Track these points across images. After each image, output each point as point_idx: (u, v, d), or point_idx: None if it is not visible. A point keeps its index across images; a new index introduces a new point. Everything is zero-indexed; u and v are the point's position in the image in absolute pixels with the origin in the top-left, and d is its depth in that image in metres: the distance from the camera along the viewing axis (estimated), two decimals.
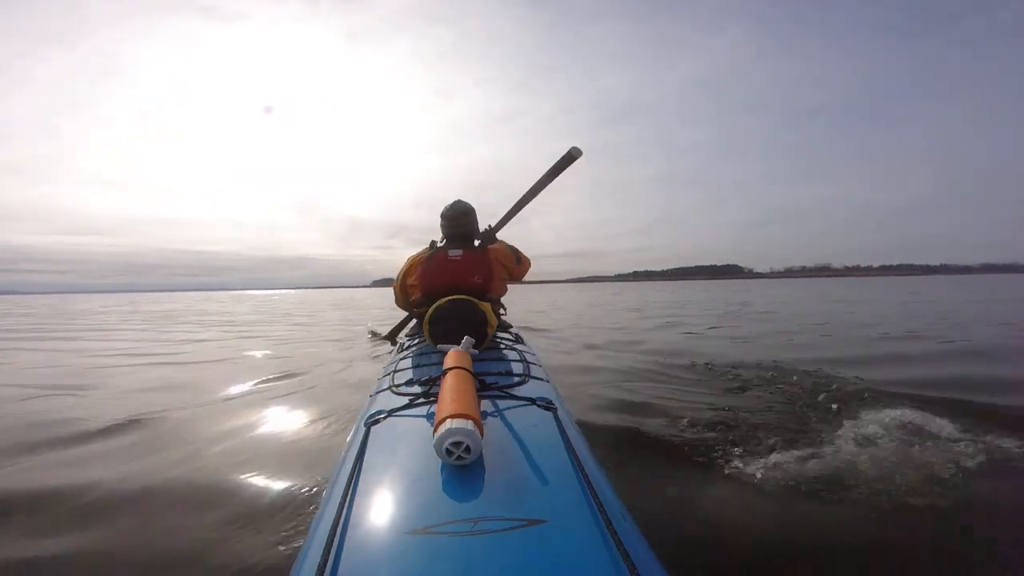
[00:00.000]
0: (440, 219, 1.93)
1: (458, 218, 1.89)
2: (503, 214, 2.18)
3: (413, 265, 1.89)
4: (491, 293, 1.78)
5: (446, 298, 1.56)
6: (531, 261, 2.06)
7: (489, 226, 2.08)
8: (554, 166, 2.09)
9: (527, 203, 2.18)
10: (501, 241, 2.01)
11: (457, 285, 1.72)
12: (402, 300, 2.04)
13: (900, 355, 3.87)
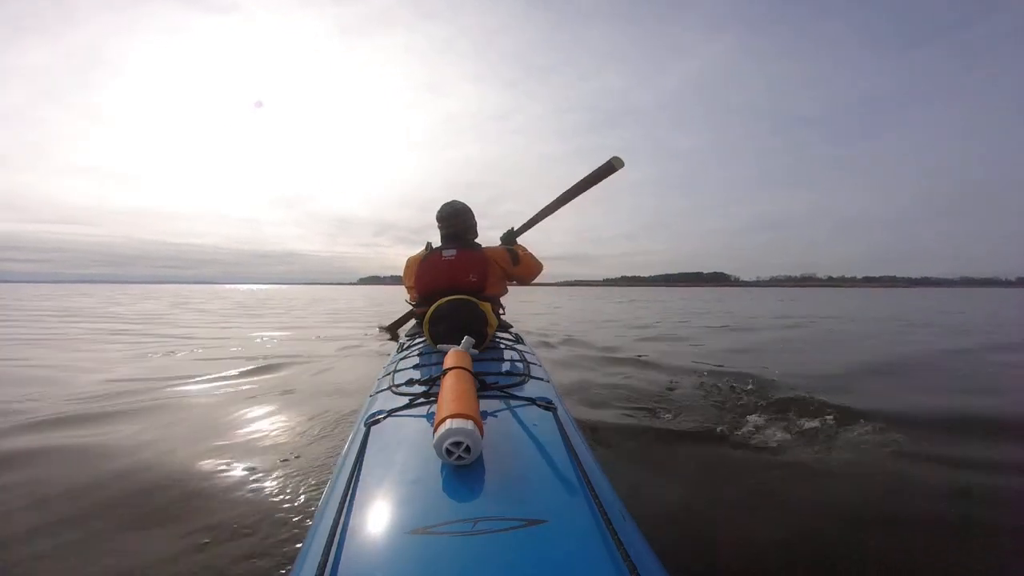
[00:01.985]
0: (436, 220, 1.93)
1: (451, 218, 1.89)
2: (528, 218, 2.07)
3: (410, 267, 1.90)
4: (488, 292, 1.77)
5: (446, 298, 1.56)
6: (541, 265, 1.99)
7: (512, 228, 2.04)
8: (592, 174, 1.94)
9: (556, 210, 2.05)
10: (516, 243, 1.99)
11: (452, 285, 1.72)
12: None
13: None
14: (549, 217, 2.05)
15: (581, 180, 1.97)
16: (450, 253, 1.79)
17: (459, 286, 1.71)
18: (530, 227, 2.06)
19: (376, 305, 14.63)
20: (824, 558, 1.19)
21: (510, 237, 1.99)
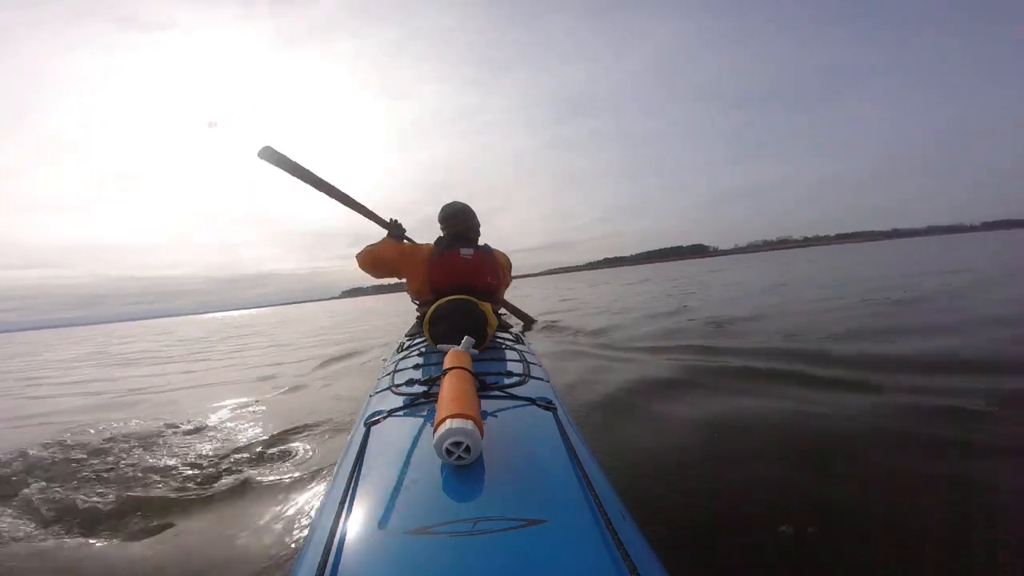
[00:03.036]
0: (439, 222, 1.93)
1: (456, 216, 1.88)
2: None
3: (416, 257, 1.85)
4: (499, 294, 1.78)
5: (446, 298, 1.56)
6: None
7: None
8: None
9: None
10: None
11: (468, 284, 1.70)
12: (370, 265, 1.94)
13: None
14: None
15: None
16: (468, 252, 1.77)
17: (476, 286, 1.70)
18: None
19: (339, 323, 11.57)
20: (828, 555, 1.19)
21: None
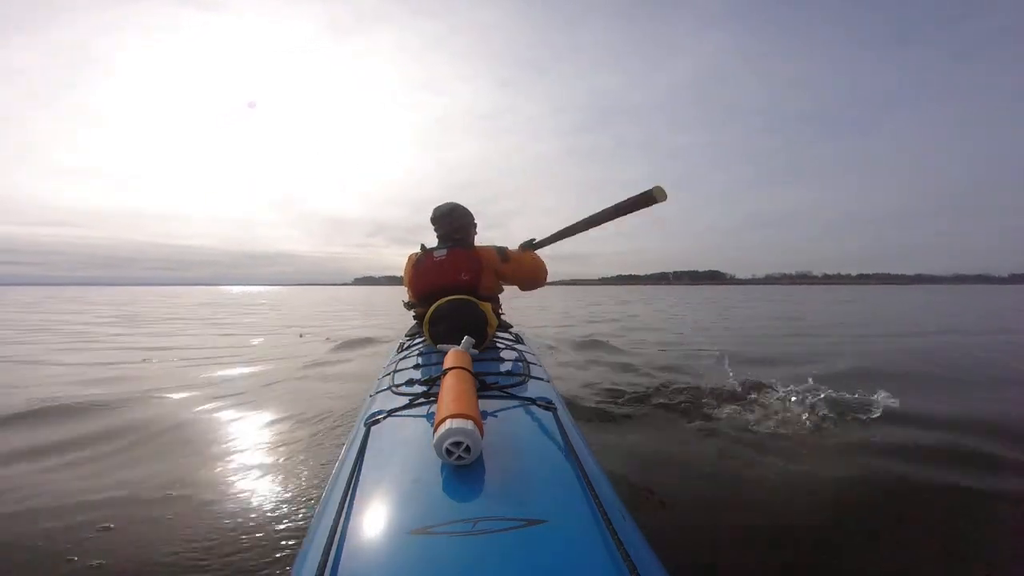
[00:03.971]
0: (431, 221, 1.93)
1: (441, 219, 1.89)
2: (551, 233, 1.91)
3: (407, 268, 1.88)
4: (483, 291, 1.77)
5: (446, 298, 1.56)
6: (540, 265, 1.90)
7: (532, 240, 1.94)
8: (628, 202, 1.68)
9: (583, 230, 1.84)
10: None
11: (445, 285, 1.71)
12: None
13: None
14: (544, 212, 2.01)
15: (616, 205, 1.74)
16: (440, 253, 1.79)
17: (452, 285, 1.71)
18: (551, 242, 1.92)
19: (341, 311, 12.26)
20: (826, 557, 1.19)
21: (527, 247, 1.91)
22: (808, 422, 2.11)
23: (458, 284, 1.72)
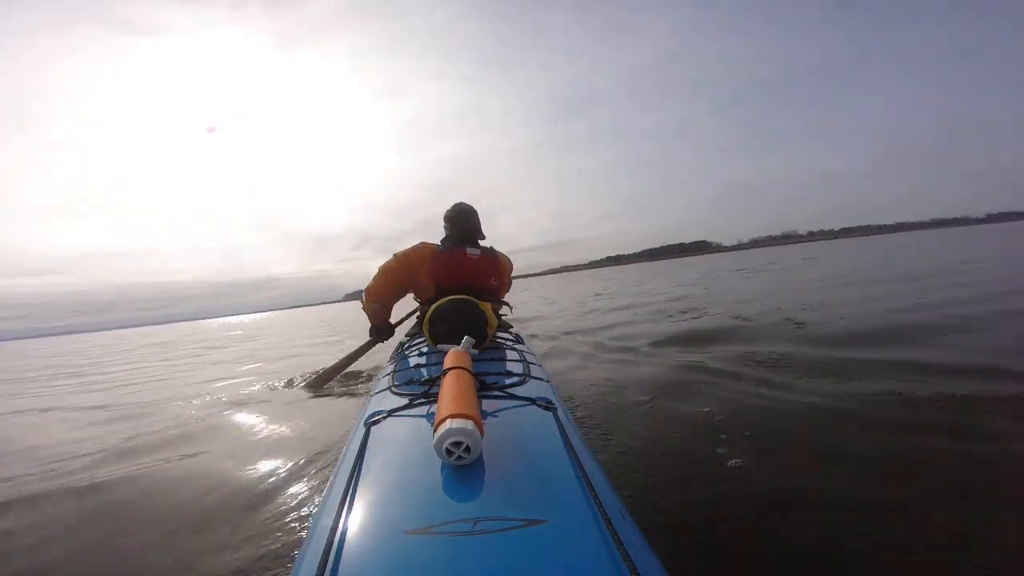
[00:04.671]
0: (444, 221, 1.93)
1: (461, 215, 1.89)
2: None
3: (421, 256, 1.84)
4: (501, 296, 1.80)
5: (446, 298, 1.56)
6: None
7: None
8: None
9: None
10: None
11: (471, 284, 1.71)
12: (386, 294, 1.94)
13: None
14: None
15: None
16: (475, 252, 1.78)
17: (479, 286, 1.71)
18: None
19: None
20: (828, 556, 1.19)
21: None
22: (815, 408, 2.11)
23: (487, 287, 1.73)
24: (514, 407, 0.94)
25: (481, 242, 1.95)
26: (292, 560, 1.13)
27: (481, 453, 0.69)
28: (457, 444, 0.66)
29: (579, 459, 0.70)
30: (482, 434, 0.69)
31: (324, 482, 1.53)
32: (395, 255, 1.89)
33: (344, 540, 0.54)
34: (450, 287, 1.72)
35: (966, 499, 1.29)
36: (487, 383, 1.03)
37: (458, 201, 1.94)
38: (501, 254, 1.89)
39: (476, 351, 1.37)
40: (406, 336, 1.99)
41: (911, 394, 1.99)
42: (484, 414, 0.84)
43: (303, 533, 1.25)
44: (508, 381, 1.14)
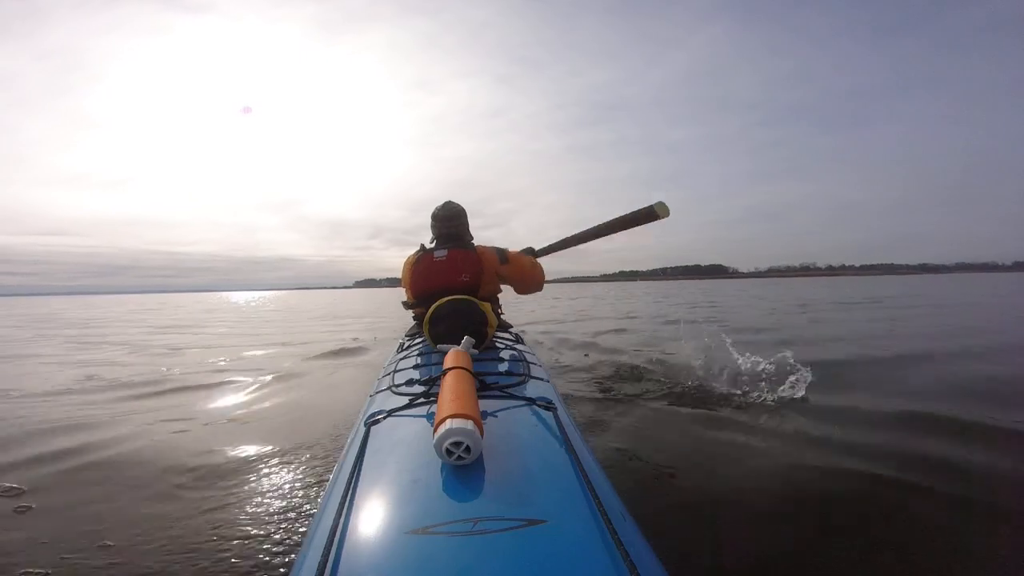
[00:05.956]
0: (431, 220, 1.92)
1: (447, 219, 1.88)
2: (552, 241, 2.01)
3: (406, 269, 1.88)
4: (483, 292, 1.77)
5: (446, 298, 1.56)
6: (539, 269, 1.97)
7: (532, 248, 2.04)
8: (630, 216, 1.80)
9: (585, 241, 1.97)
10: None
11: (445, 285, 1.71)
12: (411, 298, 1.97)
13: None
14: (542, 209, 2.06)
15: (618, 219, 1.85)
16: (441, 254, 1.78)
17: (452, 286, 1.70)
18: (552, 251, 1.98)
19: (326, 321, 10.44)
20: (829, 555, 1.19)
21: (528, 254, 1.98)
22: (810, 417, 2.12)
23: (458, 285, 1.71)
24: (514, 407, 0.94)
25: (474, 242, 1.93)
26: (292, 559, 1.13)
27: (481, 453, 0.68)
28: (457, 444, 0.66)
29: (579, 459, 0.70)
30: (482, 434, 0.69)
31: (324, 481, 1.53)
32: (404, 263, 1.91)
33: (344, 540, 0.54)
34: (423, 293, 1.75)
35: None
36: (487, 383, 1.03)
37: (447, 200, 1.92)
38: (485, 248, 1.85)
39: (476, 351, 1.37)
40: (406, 336, 1.99)
41: None
42: (484, 414, 0.84)
43: (303, 532, 1.25)
44: (508, 381, 1.13)
